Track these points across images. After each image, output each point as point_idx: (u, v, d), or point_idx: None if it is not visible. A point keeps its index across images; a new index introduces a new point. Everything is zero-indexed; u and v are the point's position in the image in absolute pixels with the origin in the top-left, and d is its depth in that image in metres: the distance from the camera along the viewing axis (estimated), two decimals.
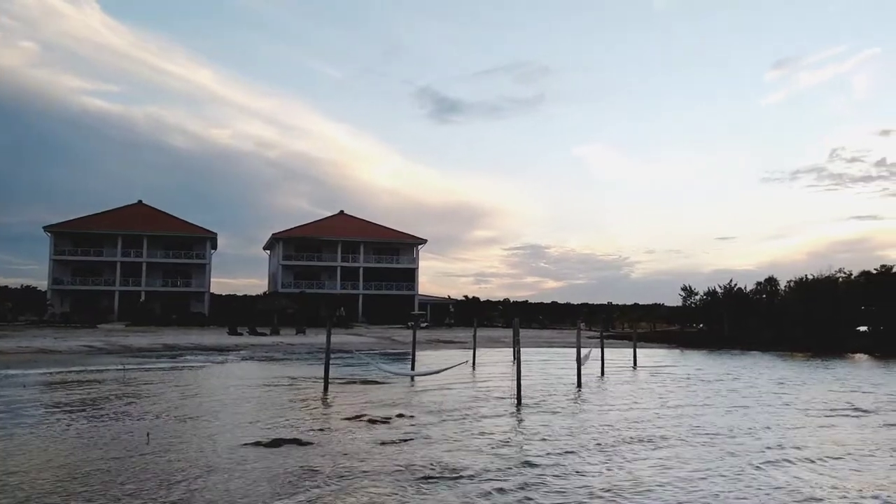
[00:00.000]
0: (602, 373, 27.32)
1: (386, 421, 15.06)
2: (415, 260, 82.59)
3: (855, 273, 57.48)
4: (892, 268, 56.92)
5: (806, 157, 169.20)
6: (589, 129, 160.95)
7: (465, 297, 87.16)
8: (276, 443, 12.19)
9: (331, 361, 21.28)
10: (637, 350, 34.06)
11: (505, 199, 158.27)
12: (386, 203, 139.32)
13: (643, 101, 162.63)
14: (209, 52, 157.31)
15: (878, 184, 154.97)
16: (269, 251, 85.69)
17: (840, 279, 57.12)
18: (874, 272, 56.91)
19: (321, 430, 13.86)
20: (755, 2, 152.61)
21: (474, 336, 33.32)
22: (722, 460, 11.68)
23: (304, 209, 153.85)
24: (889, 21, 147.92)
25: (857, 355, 44.67)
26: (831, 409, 18.34)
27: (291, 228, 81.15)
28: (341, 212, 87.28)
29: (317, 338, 44.68)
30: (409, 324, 52.56)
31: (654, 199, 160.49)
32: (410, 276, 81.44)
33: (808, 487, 9.94)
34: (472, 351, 31.35)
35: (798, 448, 12.90)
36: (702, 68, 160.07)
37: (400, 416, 15.82)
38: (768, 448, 12.83)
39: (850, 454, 12.39)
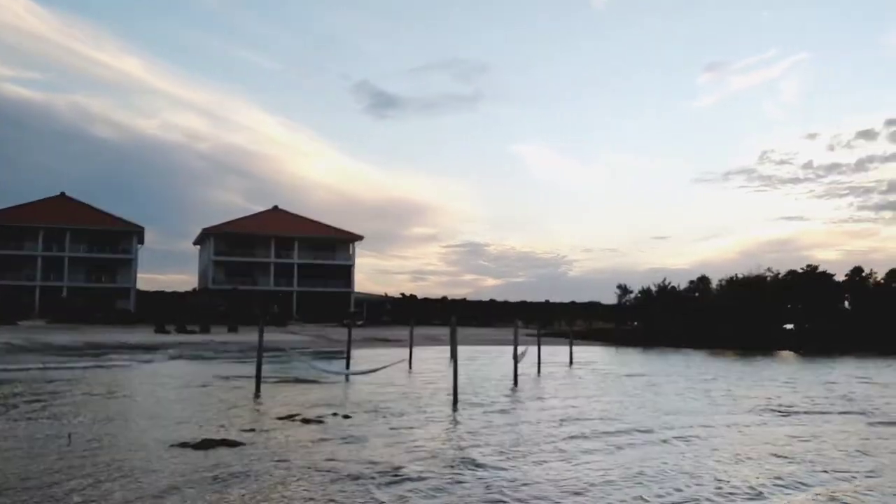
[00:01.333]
0: (539, 371, 27.39)
1: (320, 420, 14.62)
2: (351, 257, 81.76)
3: (782, 272, 59.62)
4: (816, 267, 59.24)
5: (737, 159, 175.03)
6: (527, 128, 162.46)
7: (403, 294, 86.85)
8: (205, 444, 11.62)
9: (264, 360, 20.66)
10: (573, 348, 34.34)
11: (444, 197, 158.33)
12: (322, 199, 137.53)
13: (580, 101, 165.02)
14: (138, 39, 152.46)
15: (804, 185, 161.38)
16: (199, 247, 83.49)
17: (768, 278, 59.10)
18: (800, 272, 59.07)
19: (252, 430, 13.32)
20: (689, 6, 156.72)
21: (411, 334, 33.01)
22: (652, 457, 11.71)
23: (236, 204, 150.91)
24: (816, 28, 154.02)
25: (784, 352, 46.22)
26: (754, 406, 18.71)
27: (223, 223, 79.25)
28: (275, 207, 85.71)
29: (249, 336, 43.51)
30: (345, 322, 51.85)
31: (590, 199, 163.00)
32: (346, 273, 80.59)
33: (712, 473, 10.02)
34: (408, 349, 31.04)
35: (715, 442, 13.11)
36: (637, 70, 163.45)
37: (334, 415, 15.40)
38: (691, 440, 13.02)
39: (764, 444, 12.65)
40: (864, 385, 25.04)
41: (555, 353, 36.22)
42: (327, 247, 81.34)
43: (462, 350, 36.67)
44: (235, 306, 58.02)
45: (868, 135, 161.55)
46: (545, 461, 11.27)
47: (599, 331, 62.53)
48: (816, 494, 9.45)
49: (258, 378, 19.80)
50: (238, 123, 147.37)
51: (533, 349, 28.73)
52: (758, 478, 10.23)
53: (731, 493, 9.33)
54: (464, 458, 11.30)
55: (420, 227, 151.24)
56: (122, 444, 11.62)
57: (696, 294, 62.60)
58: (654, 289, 63.85)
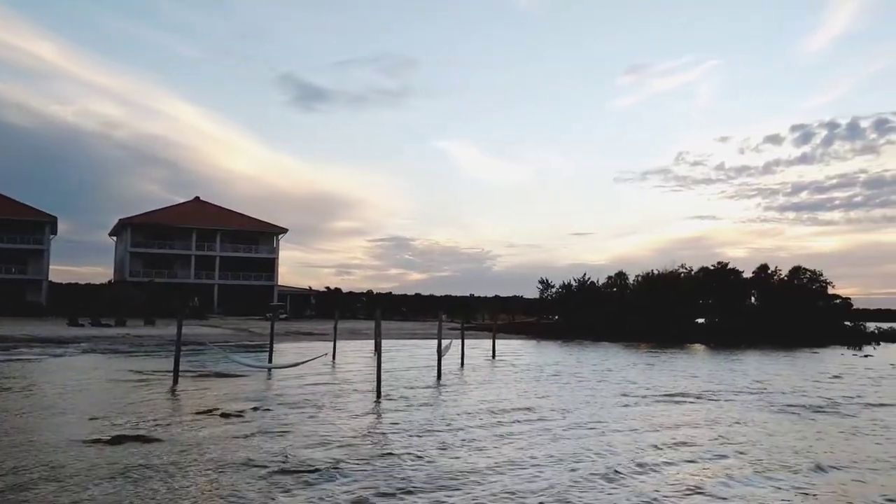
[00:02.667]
0: (462, 364, 27.72)
1: (240, 415, 14.50)
2: (275, 250, 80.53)
3: (695, 269, 61.99)
4: (727, 265, 61.84)
5: (655, 160, 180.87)
6: (453, 124, 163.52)
7: (327, 288, 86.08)
8: (118, 440, 11.40)
9: (182, 354, 20.28)
10: (496, 341, 34.88)
11: (369, 191, 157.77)
12: (245, 190, 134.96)
13: (506, 98, 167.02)
14: (53, 23, 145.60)
15: (716, 186, 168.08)
16: (115, 238, 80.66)
17: (682, 274, 61.33)
18: (711, 268, 61.56)
19: (169, 424, 13.12)
20: (611, 8, 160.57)
21: (335, 328, 32.86)
22: (569, 440, 12.17)
23: (156, 194, 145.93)
24: (729, 35, 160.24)
25: (696, 345, 48.13)
26: (663, 394, 19.76)
27: (142, 214, 76.78)
28: (197, 198, 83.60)
29: (167, 329, 42.45)
30: (268, 315, 51.11)
31: (514, 195, 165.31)
32: (270, 266, 79.35)
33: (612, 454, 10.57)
34: (332, 343, 30.92)
35: (630, 434, 13.74)
36: (561, 70, 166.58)
37: (255, 409, 15.30)
38: (611, 434, 13.57)
39: (667, 429, 13.33)
40: (765, 375, 26.50)
41: (478, 347, 36.70)
42: (250, 239, 79.89)
43: (387, 344, 36.71)
44: (153, 299, 56.33)
45: (775, 139, 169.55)
46: (465, 451, 11.55)
47: (522, 324, 63.59)
48: (704, 468, 10.20)
49: (176, 372, 19.42)
50: (158, 112, 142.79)
51: (457, 343, 29.05)
52: (660, 455, 11.19)
53: (638, 467, 10.08)
54: (384, 450, 11.45)
55: (345, 221, 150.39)
56: (30, 441, 11.27)
57: (615, 289, 64.35)
58: (574, 283, 65.29)
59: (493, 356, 32.50)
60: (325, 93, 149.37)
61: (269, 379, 21.49)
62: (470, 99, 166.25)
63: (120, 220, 75.25)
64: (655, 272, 62.02)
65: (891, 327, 66.78)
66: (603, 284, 65.09)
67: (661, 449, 12.13)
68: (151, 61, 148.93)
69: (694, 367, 29.94)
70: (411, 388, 20.08)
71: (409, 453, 11.23)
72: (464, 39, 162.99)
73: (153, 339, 37.07)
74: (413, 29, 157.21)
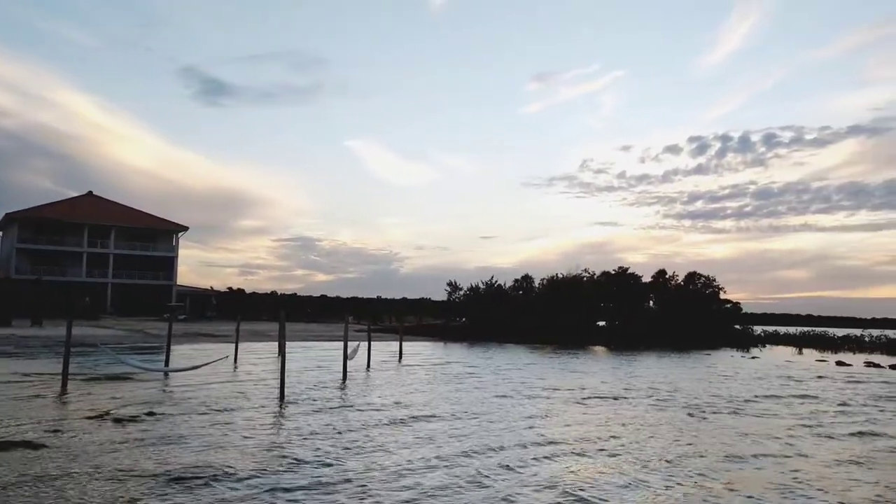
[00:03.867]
0: (368, 366, 27.51)
1: (134, 420, 13.87)
2: (174, 248, 77.71)
3: (597, 273, 63.83)
4: (627, 269, 64.05)
5: (561, 166, 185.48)
6: (363, 124, 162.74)
7: (230, 288, 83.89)
8: (3, 446, 10.69)
9: (72, 356, 19.20)
10: (403, 343, 34.80)
11: (275, 189, 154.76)
12: (143, 186, 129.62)
13: (416, 100, 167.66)
14: None
15: (618, 194, 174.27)
16: (0, 233, 75.87)
17: (585, 278, 63.03)
18: (613, 272, 63.56)
19: (57, 430, 12.38)
20: (522, 15, 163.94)
21: (237, 330, 31.97)
22: (472, 437, 12.27)
23: (45, 188, 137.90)
24: (633, 48, 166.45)
25: (597, 347, 49.57)
26: (563, 393, 20.31)
27: (30, 208, 72.46)
28: (90, 193, 79.65)
29: (56, 330, 40.20)
30: (165, 316, 49.17)
31: (423, 197, 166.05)
32: (169, 265, 76.48)
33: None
34: (234, 345, 30.06)
35: (542, 435, 14.02)
36: (472, 73, 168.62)
37: (150, 414, 14.66)
38: (520, 432, 13.78)
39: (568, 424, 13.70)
40: (660, 376, 27.59)
41: (385, 349, 36.52)
42: (148, 236, 76.75)
43: (291, 346, 36.05)
44: (41, 298, 53.23)
45: (673, 149, 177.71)
46: (369, 453, 11.45)
47: (429, 326, 63.73)
48: (592, 465, 10.58)
49: (65, 375, 18.36)
50: (51, 102, 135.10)
51: (365, 345, 28.83)
52: (557, 449, 11.52)
53: (539, 459, 10.30)
54: (286, 454, 11.21)
55: (249, 220, 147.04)
56: None
57: (521, 292, 65.44)
58: (482, 286, 65.99)
59: (400, 358, 32.42)
60: (231, 87, 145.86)
61: (167, 383, 20.67)
62: (381, 99, 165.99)
63: (6, 214, 70.73)
64: (560, 276, 63.57)
65: (775, 330, 70.86)
66: (510, 287, 66.10)
67: (557, 446, 12.59)
68: (44, 49, 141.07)
69: (593, 369, 30.86)
70: (316, 390, 19.75)
71: (311, 457, 11.04)
72: (376, 40, 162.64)
73: (40, 341, 34.99)
74: (324, 26, 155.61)
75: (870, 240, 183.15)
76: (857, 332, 64.85)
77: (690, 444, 13.45)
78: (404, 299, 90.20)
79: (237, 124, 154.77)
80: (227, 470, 10.01)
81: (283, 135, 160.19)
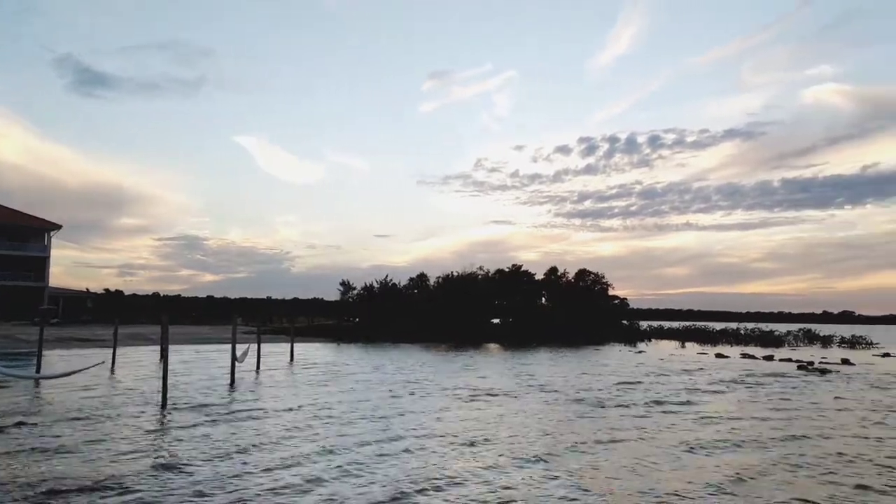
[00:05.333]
0: (258, 369, 26.46)
1: (2, 430, 12.75)
2: (46, 248, 72.69)
3: (491, 271, 64.52)
4: (520, 267, 65.02)
5: (456, 165, 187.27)
6: (253, 119, 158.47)
7: (108, 290, 79.50)
8: None
9: None
10: (295, 345, 33.79)
11: (158, 186, 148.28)
12: (10, 181, 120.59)
13: (309, 96, 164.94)
14: None
15: (512, 193, 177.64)
16: None
17: (479, 276, 63.54)
18: (506, 270, 64.41)
19: None
20: (417, 13, 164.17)
21: (115, 333, 30.01)
22: (366, 457, 11.82)
23: None
24: (524, 48, 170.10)
25: (491, 345, 49.99)
26: (458, 391, 20.22)
27: None
28: None
29: None
30: (36, 320, 45.79)
31: (316, 195, 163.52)
32: (40, 265, 71.44)
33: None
34: (112, 350, 28.19)
35: (431, 433, 13.79)
36: (366, 71, 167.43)
37: (20, 424, 13.41)
38: (411, 434, 13.43)
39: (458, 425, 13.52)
40: (551, 372, 27.98)
41: (276, 351, 35.42)
42: (16, 235, 71.41)
43: (176, 349, 34.28)
44: None
45: (564, 150, 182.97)
46: (257, 460, 10.81)
47: (322, 327, 62.56)
48: (480, 456, 10.58)
49: None
50: None
51: (254, 347, 27.74)
52: (444, 448, 11.37)
53: (433, 450, 10.08)
54: (166, 463, 10.47)
55: (130, 218, 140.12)
56: None
57: (416, 291, 65.29)
58: (376, 285, 65.38)
59: (292, 360, 31.43)
60: (111, 79, 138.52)
61: (38, 391, 19.00)
62: (271, 94, 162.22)
63: None
64: (455, 274, 63.81)
65: (660, 325, 74.02)
66: (404, 286, 65.83)
67: (449, 442, 12.49)
68: None
69: (487, 366, 30.95)
70: (201, 395, 18.70)
71: (193, 465, 10.35)
72: (266, 32, 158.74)
73: None
74: (212, 17, 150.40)
75: (744, 238, 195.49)
76: (734, 325, 68.69)
77: (573, 434, 13.95)
78: (296, 300, 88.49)
79: (117, 117, 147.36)
80: (106, 481, 9.26)
81: (167, 129, 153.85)
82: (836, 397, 21.58)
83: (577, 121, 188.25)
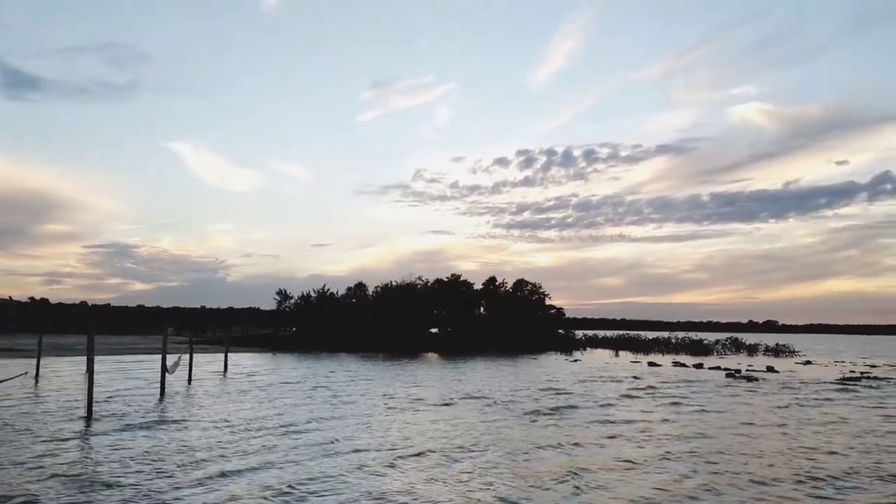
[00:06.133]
0: (189, 380, 25.82)
1: None
2: None
3: (430, 281, 64.55)
4: (459, 276, 65.25)
5: (395, 175, 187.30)
6: (188, 125, 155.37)
7: (32, 298, 76.38)
8: None
9: None
10: (229, 355, 33.13)
11: (87, 192, 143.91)
12: None
13: (246, 102, 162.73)
14: None
15: (451, 203, 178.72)
16: None
17: (418, 286, 63.49)
18: (445, 280, 64.55)
19: None
20: (358, 22, 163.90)
21: (39, 343, 28.89)
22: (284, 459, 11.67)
23: None
24: (465, 60, 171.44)
25: (429, 354, 49.95)
26: (395, 401, 20.21)
27: None
28: None
29: None
30: None
31: (252, 203, 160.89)
32: None
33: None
34: (36, 360, 27.12)
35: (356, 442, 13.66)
36: (306, 78, 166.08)
37: None
38: (338, 441, 13.33)
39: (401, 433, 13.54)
40: (486, 380, 28.15)
41: (209, 361, 34.66)
42: None
43: (104, 360, 33.18)
44: None
45: (503, 162, 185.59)
46: (182, 474, 10.52)
47: (258, 337, 61.50)
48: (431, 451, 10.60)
49: None
50: None
51: (186, 357, 27.08)
52: (392, 454, 11.38)
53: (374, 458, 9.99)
54: (90, 477, 10.14)
55: (57, 225, 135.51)
56: None
57: (354, 300, 64.82)
58: (313, 295, 64.65)
59: (225, 371, 30.77)
60: (40, 81, 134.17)
61: None
62: (208, 100, 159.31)
63: None
64: (394, 284, 63.56)
65: (595, 334, 75.27)
66: (342, 296, 65.26)
67: (378, 452, 12.44)
68: None
69: (425, 375, 30.92)
70: (129, 407, 18.15)
71: (118, 479, 10.05)
72: (204, 37, 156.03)
73: None
74: (147, 20, 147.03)
75: (675, 250, 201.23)
76: (666, 334, 70.30)
77: (504, 441, 14.09)
78: (231, 309, 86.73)
79: (45, 121, 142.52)
80: (28, 497, 8.94)
81: (98, 134, 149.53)
82: (761, 403, 22.31)
83: (515, 133, 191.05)
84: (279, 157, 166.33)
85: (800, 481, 11.14)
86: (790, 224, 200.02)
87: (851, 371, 39.61)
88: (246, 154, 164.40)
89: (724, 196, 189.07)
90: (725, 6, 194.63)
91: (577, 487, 10.44)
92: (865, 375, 36.12)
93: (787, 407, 21.59)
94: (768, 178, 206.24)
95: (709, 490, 10.47)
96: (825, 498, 10.21)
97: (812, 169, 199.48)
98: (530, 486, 10.55)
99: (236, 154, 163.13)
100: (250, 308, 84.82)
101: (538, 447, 13.72)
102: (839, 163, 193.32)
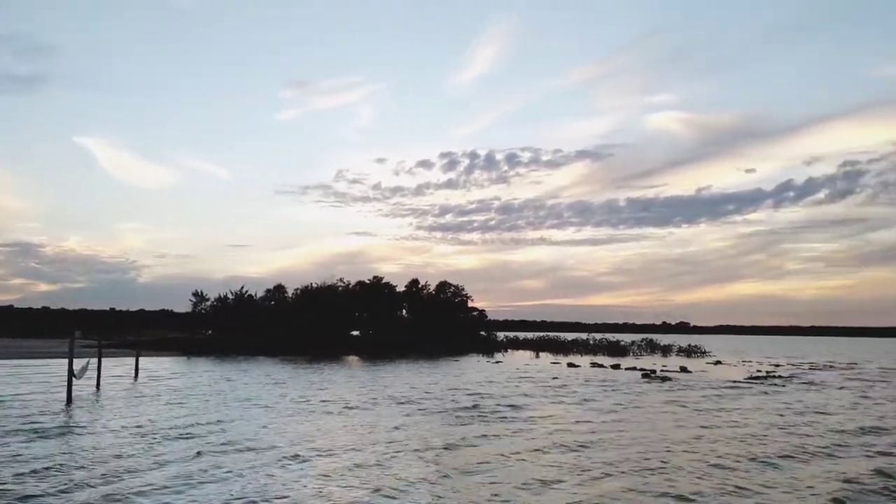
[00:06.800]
0: (98, 386, 24.61)
1: None
2: None
3: (352, 283, 63.81)
4: (382, 279, 64.78)
5: (316, 175, 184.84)
6: (98, 120, 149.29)
7: None
8: None
9: None
10: (141, 359, 31.79)
11: None
12: None
13: (160, 98, 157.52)
14: None
15: (373, 205, 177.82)
16: None
17: (340, 288, 62.67)
18: (367, 282, 63.95)
19: None
20: (277, 19, 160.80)
21: None
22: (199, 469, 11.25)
23: None
24: (388, 62, 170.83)
25: (350, 357, 49.33)
26: (314, 405, 19.88)
27: None
28: None
29: None
30: None
31: (167, 202, 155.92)
32: None
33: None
34: None
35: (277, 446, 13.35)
36: (224, 74, 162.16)
37: None
38: (278, 449, 12.99)
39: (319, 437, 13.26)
40: (407, 383, 28.03)
41: (119, 366, 33.27)
42: None
43: (5, 365, 31.28)
44: None
45: (426, 164, 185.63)
46: (85, 481, 10.04)
47: (172, 340, 59.34)
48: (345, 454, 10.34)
49: None
50: None
51: (95, 362, 25.81)
52: (309, 452, 11.39)
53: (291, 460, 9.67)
54: None
55: None
56: None
57: (273, 302, 63.48)
58: (230, 296, 62.95)
59: (137, 376, 29.50)
60: None
61: None
62: (119, 95, 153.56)
63: None
64: (314, 285, 62.56)
65: (515, 336, 76.19)
66: (261, 298, 63.81)
67: (287, 456, 12.14)
68: None
69: (344, 379, 30.48)
70: (32, 415, 17.12)
71: (29, 492, 9.38)
72: (116, 31, 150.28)
73: None
74: (54, 10, 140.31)
75: (593, 253, 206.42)
76: (584, 335, 71.73)
77: (420, 442, 13.99)
78: (143, 311, 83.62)
79: None
80: None
81: None
82: (673, 401, 22.92)
83: (439, 136, 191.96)
84: (195, 154, 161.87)
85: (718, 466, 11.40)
86: (702, 229, 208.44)
87: (758, 370, 41.30)
88: (160, 151, 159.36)
89: (640, 201, 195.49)
90: (644, 17, 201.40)
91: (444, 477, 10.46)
92: (771, 374, 37.76)
93: (697, 404, 22.25)
94: (682, 184, 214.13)
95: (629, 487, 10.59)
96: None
97: (723, 176, 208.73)
98: (418, 482, 10.69)
99: (150, 151, 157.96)
100: (163, 311, 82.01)
101: (446, 447, 13.76)
102: (748, 171, 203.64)
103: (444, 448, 13.77)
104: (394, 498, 9.83)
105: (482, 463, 12.29)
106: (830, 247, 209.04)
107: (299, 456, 12.57)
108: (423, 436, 15.24)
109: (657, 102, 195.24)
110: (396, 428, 16.34)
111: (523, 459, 12.72)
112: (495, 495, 10.05)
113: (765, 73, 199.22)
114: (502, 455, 13.04)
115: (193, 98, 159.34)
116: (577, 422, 18.04)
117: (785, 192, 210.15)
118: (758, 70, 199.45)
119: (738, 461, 12.79)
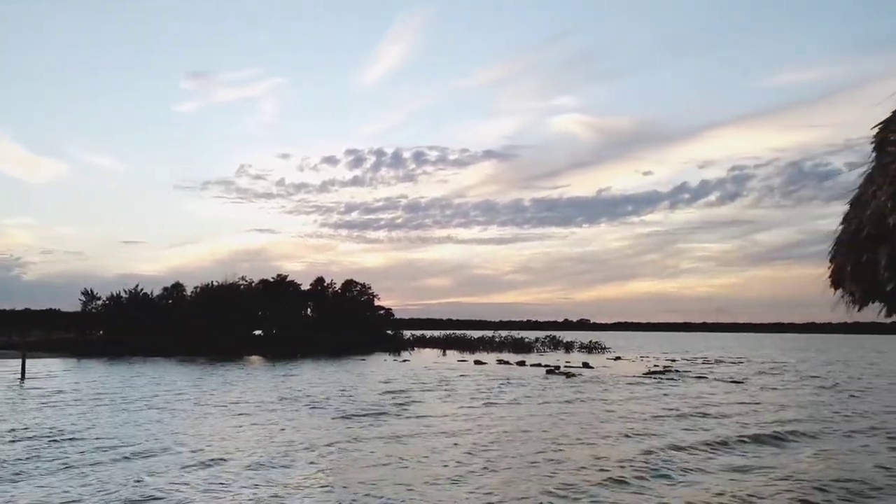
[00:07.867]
0: None
1: None
2: None
3: (255, 281, 62.08)
4: (286, 277, 63.32)
5: (216, 170, 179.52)
6: None
7: None
8: None
9: None
10: (27, 361, 29.87)
11: None
12: None
13: (50, 87, 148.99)
14: None
15: (277, 201, 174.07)
16: None
17: (242, 286, 60.84)
18: (271, 280, 62.37)
19: None
20: (177, 7, 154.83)
21: None
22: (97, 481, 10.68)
23: None
24: (293, 55, 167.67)
25: (253, 357, 48.04)
26: (216, 408, 19.30)
27: None
28: None
29: None
30: None
31: (54, 196, 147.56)
32: None
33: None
34: None
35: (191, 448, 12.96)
36: (119, 63, 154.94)
37: None
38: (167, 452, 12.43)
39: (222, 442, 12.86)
40: (311, 383, 27.60)
41: (3, 368, 31.16)
42: None
43: None
44: None
45: (331, 160, 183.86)
46: None
47: (60, 341, 56.12)
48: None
49: None
50: None
51: None
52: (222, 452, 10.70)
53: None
54: None
55: None
56: None
57: (170, 301, 61.00)
58: (124, 295, 60.06)
59: (23, 379, 27.70)
60: None
61: None
62: (4, 84, 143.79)
63: None
64: (215, 284, 60.51)
65: (422, 334, 76.14)
66: (158, 296, 61.14)
67: (183, 462, 11.78)
68: None
69: (246, 380, 29.74)
70: None
71: None
72: None
73: None
74: None
75: (498, 252, 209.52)
76: (490, 333, 72.44)
77: (319, 443, 13.75)
78: (28, 311, 78.75)
79: None
80: None
81: None
82: (576, 397, 23.42)
83: (344, 132, 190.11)
84: (87, 146, 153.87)
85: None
86: (602, 229, 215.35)
87: (655, 366, 42.83)
88: (50, 143, 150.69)
89: (544, 202, 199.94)
90: (549, 20, 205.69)
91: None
92: (667, 369, 39.28)
93: (598, 397, 22.83)
94: (583, 185, 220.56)
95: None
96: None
97: (621, 178, 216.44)
98: (312, 482, 10.59)
99: (37, 143, 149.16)
100: (51, 310, 77.37)
101: (343, 447, 13.66)
102: (645, 173, 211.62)
103: (341, 447, 13.60)
104: (284, 499, 9.64)
105: (378, 464, 12.17)
106: (721, 247, 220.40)
107: (197, 459, 12.19)
108: (320, 435, 14.99)
109: (561, 105, 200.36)
110: (294, 428, 16.03)
111: (422, 457, 12.68)
112: (388, 494, 9.95)
113: (660, 80, 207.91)
114: (400, 455, 12.95)
115: (86, 88, 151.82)
116: (481, 417, 18.17)
117: (680, 195, 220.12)
118: (653, 77, 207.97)
119: (626, 455, 13.16)
